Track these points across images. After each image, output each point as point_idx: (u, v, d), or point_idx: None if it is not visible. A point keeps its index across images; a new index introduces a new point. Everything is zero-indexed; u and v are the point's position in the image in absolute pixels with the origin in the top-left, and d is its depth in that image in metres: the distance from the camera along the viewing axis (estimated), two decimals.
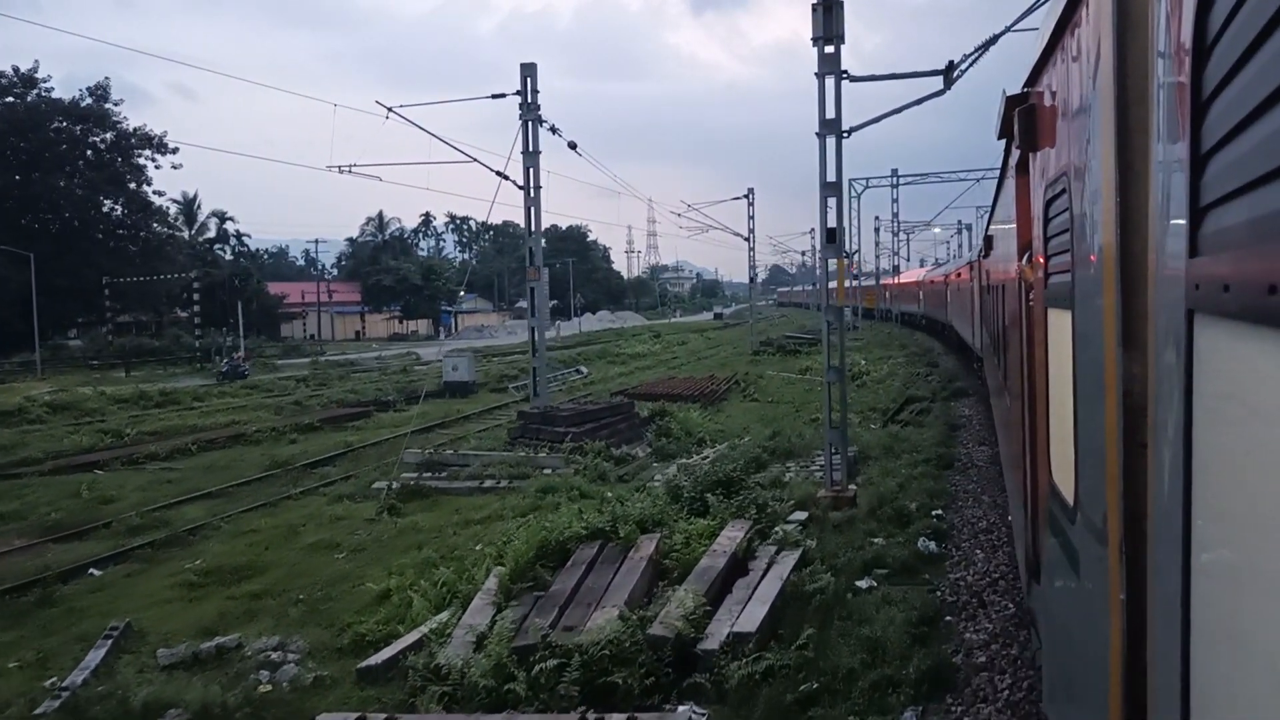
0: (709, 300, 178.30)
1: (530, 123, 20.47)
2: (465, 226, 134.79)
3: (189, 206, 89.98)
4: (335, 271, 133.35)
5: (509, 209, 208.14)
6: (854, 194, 53.19)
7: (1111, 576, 2.10)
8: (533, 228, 20.96)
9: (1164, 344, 1.58)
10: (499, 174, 20.21)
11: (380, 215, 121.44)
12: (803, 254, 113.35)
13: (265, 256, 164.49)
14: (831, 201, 13.64)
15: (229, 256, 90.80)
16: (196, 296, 48.20)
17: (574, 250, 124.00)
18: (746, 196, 46.13)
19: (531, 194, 20.63)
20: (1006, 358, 7.76)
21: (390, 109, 21.17)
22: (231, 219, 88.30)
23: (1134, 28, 1.99)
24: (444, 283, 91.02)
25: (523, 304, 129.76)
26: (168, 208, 70.00)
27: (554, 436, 18.36)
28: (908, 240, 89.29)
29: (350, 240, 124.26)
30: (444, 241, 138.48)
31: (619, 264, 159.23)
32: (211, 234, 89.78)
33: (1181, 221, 1.41)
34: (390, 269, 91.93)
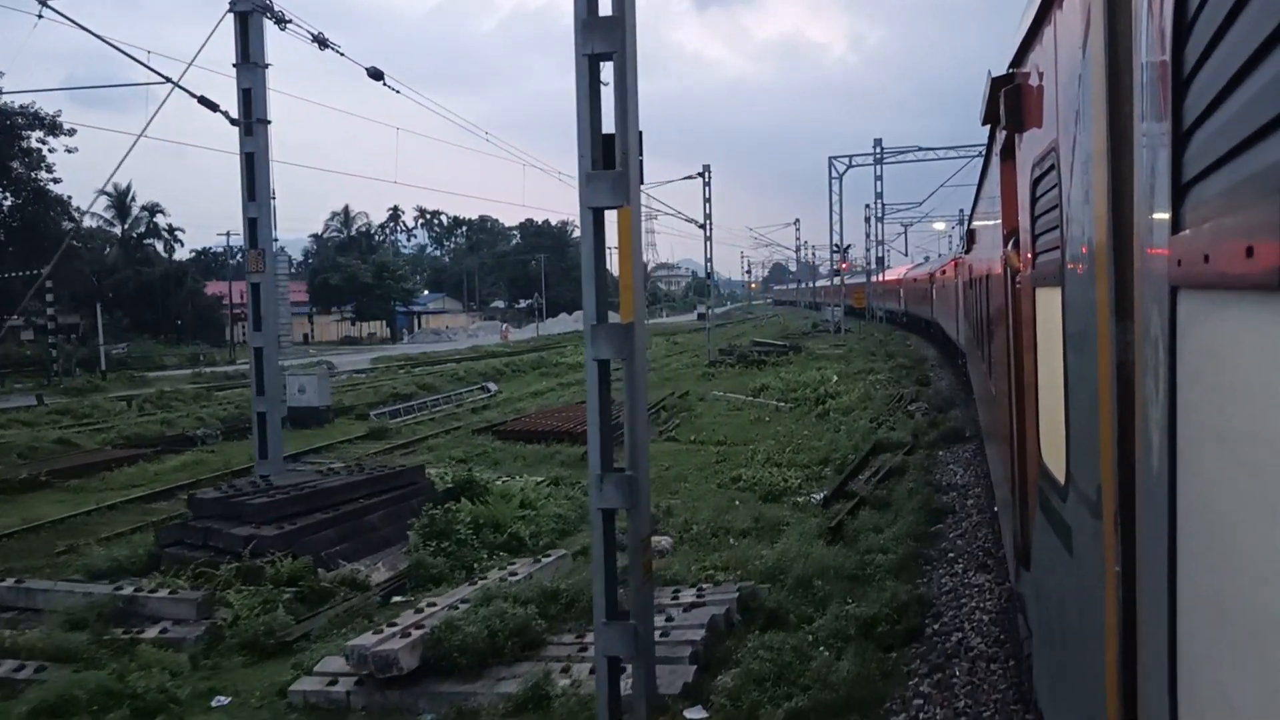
0: (700, 299, 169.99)
1: (248, 16, 12.52)
2: (436, 221, 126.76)
3: (121, 199, 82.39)
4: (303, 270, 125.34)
5: (496, 205, 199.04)
6: (834, 175, 44.90)
7: (1106, 548, 2.09)
8: (257, 185, 12.91)
9: (1148, 323, 1.59)
10: (193, 99, 12.27)
11: (346, 210, 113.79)
12: (797, 249, 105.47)
13: (239, 254, 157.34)
14: (607, 70, 5.69)
15: (180, 255, 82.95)
16: (51, 297, 40.31)
17: (549, 247, 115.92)
18: (702, 175, 38.07)
19: (251, 130, 12.68)
20: (991, 349, 7.59)
21: (44, 2, 13.28)
22: (162, 212, 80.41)
23: (1123, 1, 1.98)
24: (397, 281, 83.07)
25: (498, 304, 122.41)
26: (68, 197, 61.76)
27: (231, 544, 10.45)
28: (905, 232, 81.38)
29: (315, 237, 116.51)
30: (415, 237, 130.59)
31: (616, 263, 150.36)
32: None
33: (1165, 198, 1.42)
34: (339, 266, 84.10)
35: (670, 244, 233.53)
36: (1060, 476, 2.85)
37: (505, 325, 76.64)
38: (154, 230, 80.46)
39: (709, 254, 38.81)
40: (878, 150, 40.60)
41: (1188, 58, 1.28)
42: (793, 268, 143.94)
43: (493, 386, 32.72)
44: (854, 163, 43.56)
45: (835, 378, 30.14)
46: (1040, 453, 3.51)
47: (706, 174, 38.07)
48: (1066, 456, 2.72)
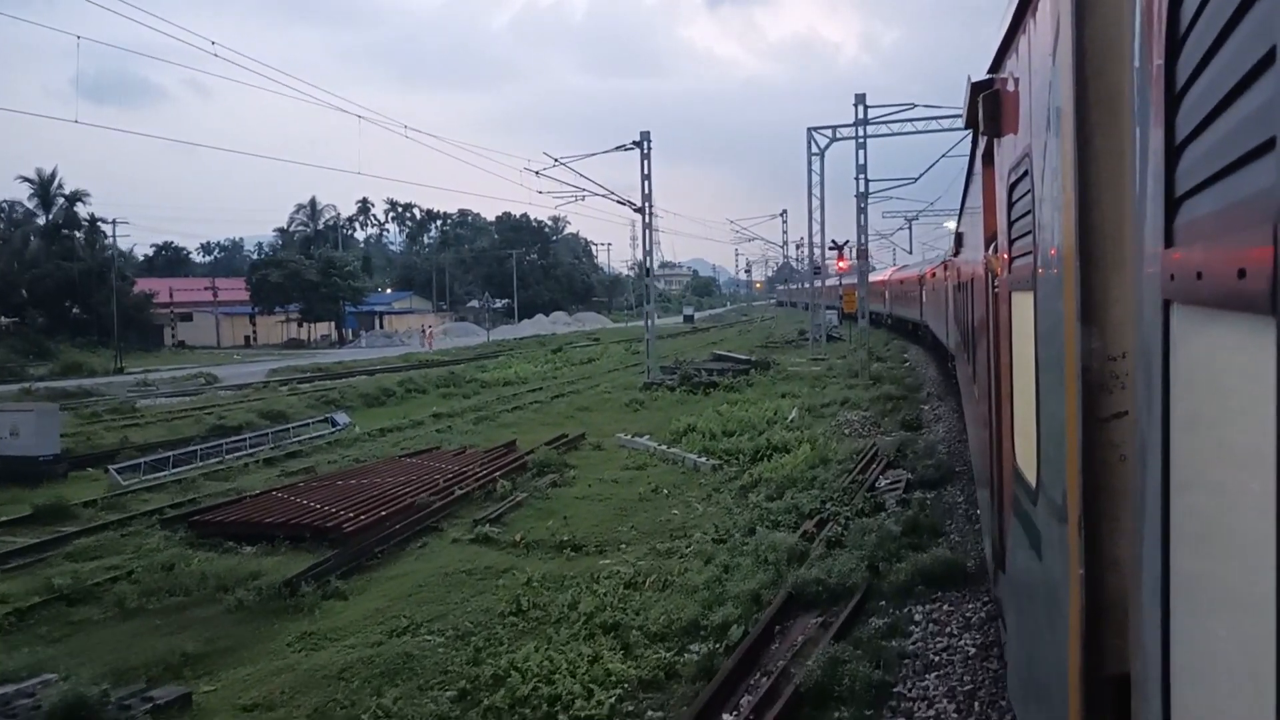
0: (699, 299, 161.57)
1: None
2: (409, 214, 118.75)
3: (44, 187, 74.73)
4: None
5: (475, 199, 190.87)
6: (814, 151, 36.53)
7: (1071, 553, 2.08)
8: None
9: (1142, 336, 1.57)
10: None
11: (313, 202, 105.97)
12: (797, 246, 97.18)
13: (219, 251, 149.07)
14: None
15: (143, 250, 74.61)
16: None
17: (529, 242, 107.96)
18: (639, 145, 29.88)
19: None
20: (975, 352, 7.74)
21: None
22: (83, 200, 72.51)
23: (1092, 8, 1.97)
24: (345, 279, 75.04)
25: (473, 304, 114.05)
26: None
27: None
28: (910, 227, 73.33)
29: (280, 231, 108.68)
30: (388, 232, 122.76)
31: (612, 261, 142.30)
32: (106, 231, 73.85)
33: (1159, 212, 1.40)
34: (280, 262, 76.18)
35: (672, 242, 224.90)
36: (1032, 480, 2.91)
37: (429, 329, 68.18)
38: (72, 220, 72.31)
39: (648, 244, 30.58)
40: (859, 109, 32.08)
41: (1180, 72, 1.28)
42: (796, 265, 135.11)
43: (342, 419, 24.57)
44: (838, 135, 35.21)
45: (794, 413, 21.97)
46: (1015, 456, 3.55)
47: (645, 145, 29.83)
48: (1037, 461, 2.78)
